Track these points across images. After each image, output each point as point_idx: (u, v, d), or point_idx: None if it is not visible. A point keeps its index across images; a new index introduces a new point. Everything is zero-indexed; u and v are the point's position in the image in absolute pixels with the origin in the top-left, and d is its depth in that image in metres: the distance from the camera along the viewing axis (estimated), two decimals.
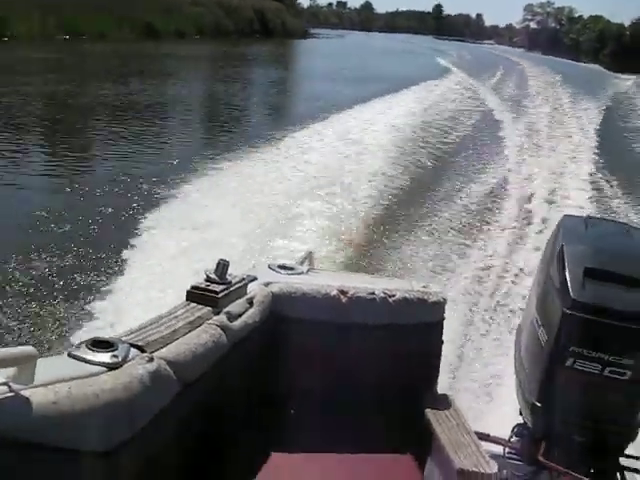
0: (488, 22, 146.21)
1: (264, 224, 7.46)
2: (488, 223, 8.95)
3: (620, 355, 2.27)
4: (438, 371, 2.62)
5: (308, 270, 2.63)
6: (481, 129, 17.54)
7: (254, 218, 7.68)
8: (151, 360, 1.73)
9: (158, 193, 9.20)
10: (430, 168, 12.01)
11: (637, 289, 2.36)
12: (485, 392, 4.72)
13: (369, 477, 2.32)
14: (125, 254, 6.81)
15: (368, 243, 7.42)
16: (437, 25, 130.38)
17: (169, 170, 10.64)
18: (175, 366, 1.81)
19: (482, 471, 2.09)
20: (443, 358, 2.75)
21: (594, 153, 14.72)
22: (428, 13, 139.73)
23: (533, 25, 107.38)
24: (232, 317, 2.09)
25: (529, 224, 9.08)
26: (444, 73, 32.43)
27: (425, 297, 2.49)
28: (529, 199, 10.38)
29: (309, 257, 2.90)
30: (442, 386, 3.16)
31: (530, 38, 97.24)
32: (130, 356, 1.71)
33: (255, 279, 2.39)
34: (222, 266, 2.16)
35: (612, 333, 2.27)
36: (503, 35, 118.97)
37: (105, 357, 1.65)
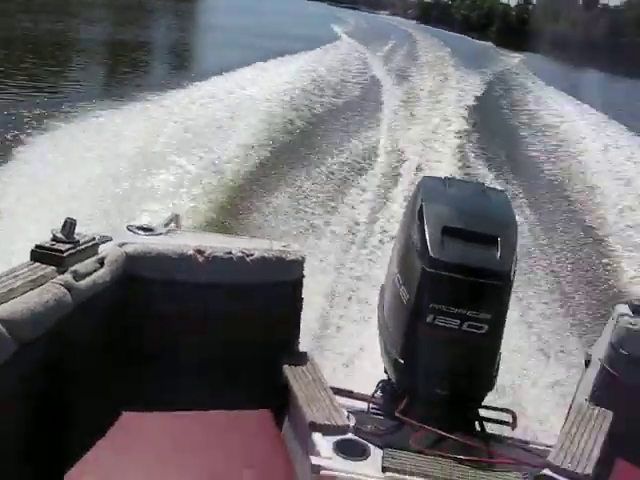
0: None
1: (133, 182, 7.20)
2: (355, 186, 9.12)
3: (477, 310, 2.34)
4: (298, 329, 2.65)
5: (168, 231, 2.65)
6: (363, 96, 17.97)
7: (123, 173, 7.38)
8: None
9: (16, 138, 8.54)
10: (302, 132, 11.97)
11: (493, 247, 2.41)
12: (354, 350, 4.77)
13: (228, 433, 2.29)
14: None
15: (236, 204, 7.42)
16: None
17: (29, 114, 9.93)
18: (10, 325, 1.77)
19: (333, 423, 2.15)
20: (310, 316, 2.90)
21: (467, 124, 15.43)
22: None
23: None
24: (79, 276, 2.05)
25: (395, 186, 9.39)
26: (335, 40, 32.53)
27: (283, 256, 2.50)
28: (398, 163, 10.77)
29: (175, 219, 2.92)
30: (309, 344, 3.29)
31: (423, 11, 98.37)
32: None
33: (110, 239, 2.38)
34: (69, 225, 2.12)
35: (470, 289, 2.34)
36: (397, 6, 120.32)
37: None
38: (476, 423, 2.62)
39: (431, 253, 2.37)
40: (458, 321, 2.35)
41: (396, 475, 2.04)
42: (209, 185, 7.72)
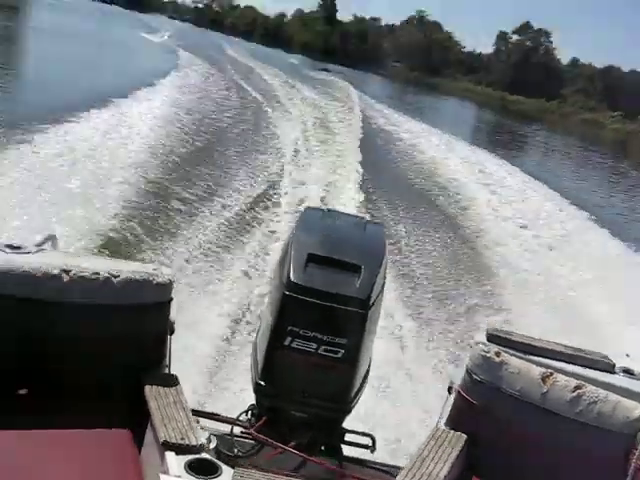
0: None
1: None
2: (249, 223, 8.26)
3: (333, 335, 2.30)
4: (165, 351, 2.52)
5: (38, 250, 2.48)
6: None
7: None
8: None
9: None
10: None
11: (355, 274, 2.40)
12: (225, 373, 4.61)
13: (84, 453, 2.17)
14: None
15: (122, 232, 6.70)
16: None
17: None
18: None
19: (187, 442, 2.06)
20: (187, 340, 2.83)
21: None
22: None
23: (200, 5, 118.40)
24: None
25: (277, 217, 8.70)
26: None
27: (151, 278, 2.37)
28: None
29: (52, 239, 2.75)
30: (187, 369, 3.07)
31: (198, 17, 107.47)
32: None
33: None
34: None
35: (326, 314, 2.31)
36: (169, 10, 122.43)
37: None
38: (336, 445, 2.63)
39: (292, 277, 2.36)
40: (315, 345, 2.31)
41: None
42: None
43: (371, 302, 2.38)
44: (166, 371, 2.52)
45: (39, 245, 2.57)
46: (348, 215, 3.49)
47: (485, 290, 7.55)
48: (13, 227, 5.74)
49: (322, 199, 9.74)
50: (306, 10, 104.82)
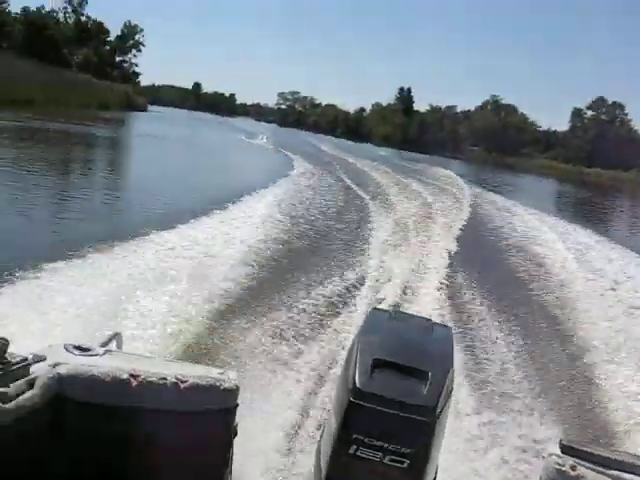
0: (239, 100, 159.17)
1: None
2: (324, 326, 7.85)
3: (399, 444, 2.24)
4: (228, 459, 2.48)
5: (105, 352, 2.51)
6: None
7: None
8: None
9: None
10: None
11: (422, 381, 2.34)
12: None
13: None
14: None
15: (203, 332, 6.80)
16: (197, 100, 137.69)
17: None
18: None
19: None
20: (252, 446, 2.82)
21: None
22: (188, 89, 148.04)
23: (284, 107, 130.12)
24: (6, 399, 1.93)
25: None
26: None
27: (217, 384, 2.35)
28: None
29: (116, 338, 2.77)
30: (244, 472, 3.05)
31: (282, 117, 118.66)
32: None
33: (44, 359, 2.25)
34: (0, 345, 2.03)
35: (392, 422, 2.24)
36: (252, 113, 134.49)
37: None
38: None
39: (357, 384, 2.32)
40: (380, 454, 2.26)
41: None
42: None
43: (438, 410, 2.34)
44: (231, 477, 2.50)
45: (105, 344, 2.63)
46: (414, 317, 3.49)
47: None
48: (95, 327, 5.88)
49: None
50: (384, 103, 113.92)
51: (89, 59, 67.33)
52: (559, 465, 2.25)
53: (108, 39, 77.33)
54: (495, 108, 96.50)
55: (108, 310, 6.52)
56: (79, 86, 52.16)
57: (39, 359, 2.20)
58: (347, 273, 10.36)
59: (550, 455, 2.31)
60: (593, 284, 11.25)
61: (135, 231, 10.33)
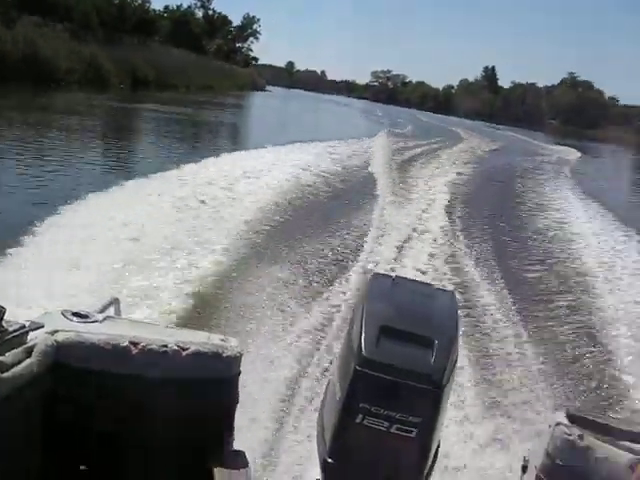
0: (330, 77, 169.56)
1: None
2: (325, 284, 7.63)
3: (407, 413, 2.18)
4: (232, 427, 2.37)
5: (105, 318, 2.41)
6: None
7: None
8: None
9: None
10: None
11: (428, 349, 2.28)
12: (303, 449, 4.25)
13: None
14: None
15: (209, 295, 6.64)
16: (290, 78, 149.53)
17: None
18: None
19: None
20: (256, 412, 2.98)
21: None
22: (282, 68, 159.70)
23: (376, 84, 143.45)
24: (4, 368, 1.86)
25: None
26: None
27: (220, 351, 2.25)
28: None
29: (115, 304, 2.74)
30: (252, 440, 3.20)
31: (374, 94, 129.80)
32: None
33: (41, 327, 2.16)
34: None
35: (400, 391, 2.18)
36: (343, 89, 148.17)
37: None
38: None
39: (364, 352, 2.22)
40: (387, 423, 2.16)
41: None
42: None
43: (446, 379, 2.24)
44: (232, 446, 2.40)
45: (103, 310, 2.58)
46: (416, 282, 3.34)
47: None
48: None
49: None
50: (470, 79, 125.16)
51: (221, 48, 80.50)
52: (567, 435, 2.23)
53: (230, 29, 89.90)
54: (573, 85, 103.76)
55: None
56: (219, 72, 64.65)
57: (37, 326, 2.12)
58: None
59: (557, 424, 2.29)
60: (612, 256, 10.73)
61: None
